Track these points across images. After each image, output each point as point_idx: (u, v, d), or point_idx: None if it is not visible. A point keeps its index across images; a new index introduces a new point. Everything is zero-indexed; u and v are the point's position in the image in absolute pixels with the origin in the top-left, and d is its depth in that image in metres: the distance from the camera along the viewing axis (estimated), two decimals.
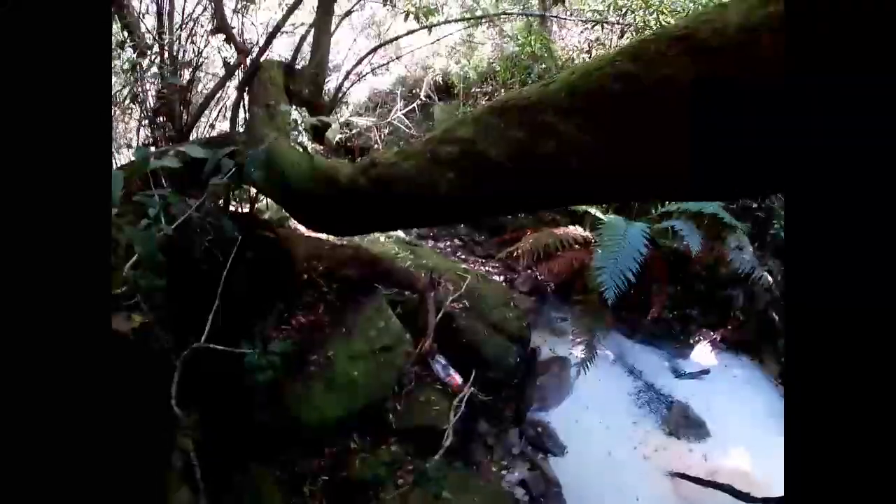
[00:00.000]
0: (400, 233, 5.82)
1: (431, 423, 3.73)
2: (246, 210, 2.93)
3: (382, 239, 5.17)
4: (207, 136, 4.16)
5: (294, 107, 3.20)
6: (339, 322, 3.34)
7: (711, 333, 5.40)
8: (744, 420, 4.76)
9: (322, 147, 6.29)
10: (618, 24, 6.18)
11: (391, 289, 4.02)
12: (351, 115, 7.87)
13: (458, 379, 4.15)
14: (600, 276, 4.36)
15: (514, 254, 5.19)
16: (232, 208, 3.12)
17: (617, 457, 4.42)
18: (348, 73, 5.26)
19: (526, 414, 4.57)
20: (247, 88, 3.28)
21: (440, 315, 4.27)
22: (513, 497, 3.88)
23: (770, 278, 4.86)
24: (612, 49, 6.62)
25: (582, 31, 7.39)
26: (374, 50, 5.38)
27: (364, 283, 3.53)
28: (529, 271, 5.80)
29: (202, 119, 4.07)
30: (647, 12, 5.74)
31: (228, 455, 2.97)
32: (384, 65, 7.86)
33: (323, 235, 3.54)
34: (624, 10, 6.08)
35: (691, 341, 5.44)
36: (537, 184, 1.13)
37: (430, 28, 4.83)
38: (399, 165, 1.53)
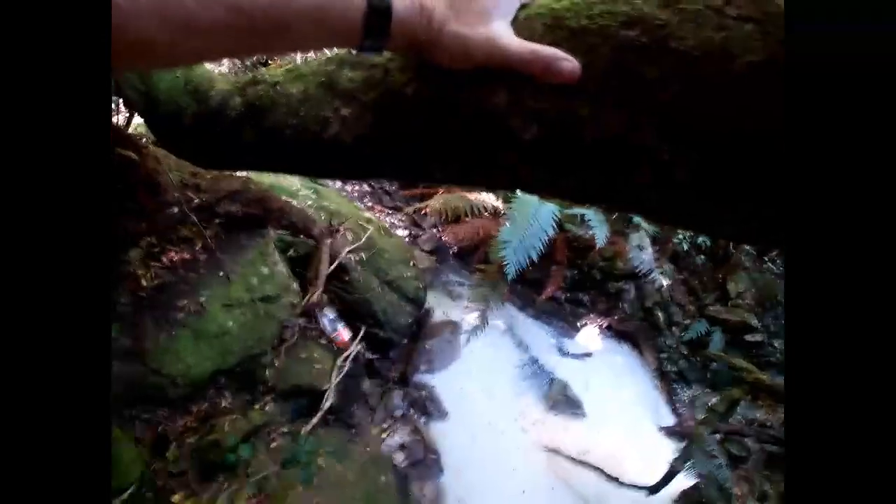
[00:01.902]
0: None
1: (312, 383, 3.32)
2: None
3: None
4: None
5: None
6: (216, 264, 2.78)
7: (599, 320, 5.35)
8: (619, 405, 4.77)
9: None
10: None
11: (283, 230, 3.48)
12: None
13: (345, 335, 3.76)
14: (504, 249, 4.13)
15: (423, 211, 4.80)
16: None
17: (497, 426, 4.27)
18: None
19: (412, 376, 4.26)
20: None
21: (334, 265, 3.82)
22: (391, 462, 3.59)
23: (664, 281, 4.85)
24: None
25: None
26: None
27: (250, 222, 2.97)
28: (435, 231, 5.43)
29: None
30: None
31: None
32: None
33: None
34: None
35: (579, 324, 5.37)
36: (469, 148, 0.69)
37: None
38: (283, 87, 1.02)
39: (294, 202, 3.84)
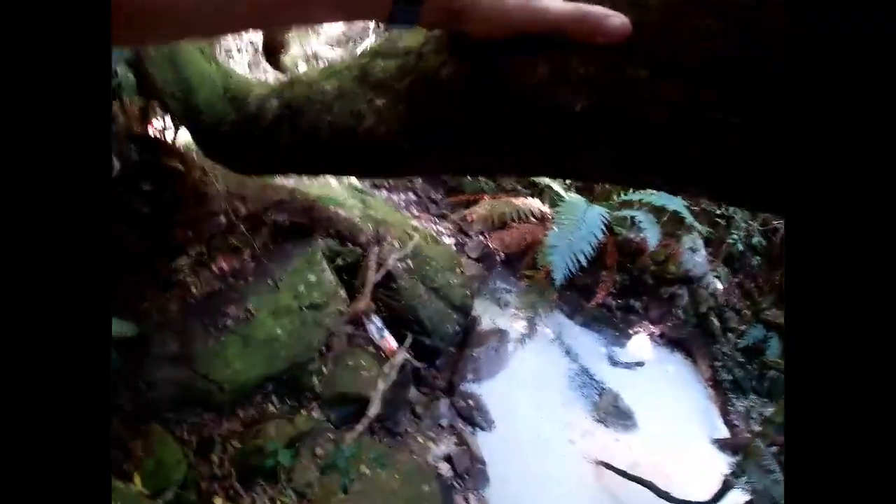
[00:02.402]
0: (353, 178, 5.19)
1: (359, 390, 3.28)
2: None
3: (333, 183, 4.59)
4: None
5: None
6: (264, 272, 2.78)
7: (651, 327, 5.12)
8: (670, 416, 4.56)
9: (278, 73, 5.50)
10: None
11: (330, 239, 3.47)
12: (321, 45, 6.94)
13: (392, 343, 3.71)
14: (552, 254, 3.98)
15: (469, 218, 4.72)
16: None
17: (544, 437, 4.13)
18: None
19: (459, 385, 4.18)
20: None
21: (381, 273, 3.78)
22: (436, 472, 3.51)
23: (719, 285, 4.60)
24: None
25: None
26: None
27: (297, 231, 2.95)
28: (481, 237, 5.34)
29: None
30: None
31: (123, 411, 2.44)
32: None
33: None
34: None
35: (630, 331, 5.16)
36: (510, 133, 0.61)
37: None
38: (318, 86, 0.96)
39: (341, 211, 3.83)
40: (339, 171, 1.18)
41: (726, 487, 3.58)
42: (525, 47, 0.54)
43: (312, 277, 3.16)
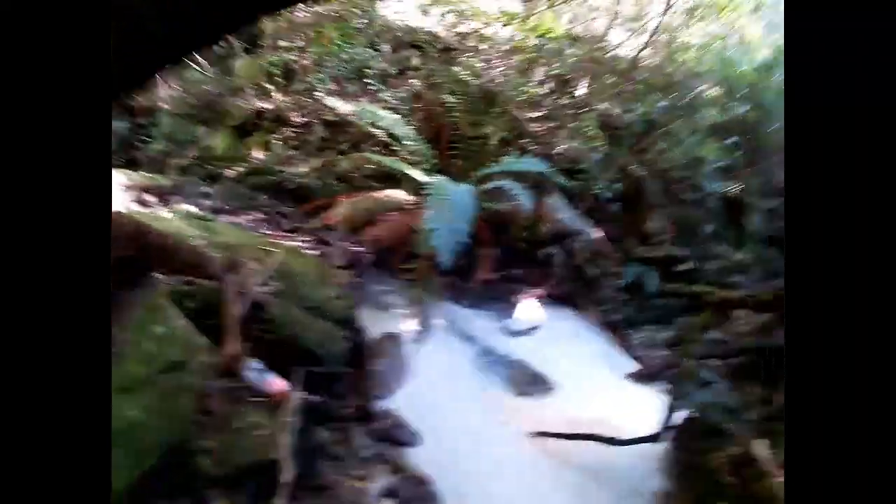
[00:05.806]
0: (188, 206, 4.13)
1: (258, 456, 2.43)
2: None
3: (166, 213, 3.58)
4: None
5: None
6: None
7: (536, 291, 4.84)
8: (579, 368, 4.34)
9: None
10: None
11: (172, 275, 2.54)
12: None
13: (279, 384, 2.86)
14: (433, 239, 3.51)
15: (330, 221, 4.01)
16: None
17: (475, 429, 3.59)
18: None
19: (369, 407, 3.46)
20: None
21: (246, 305, 2.93)
22: None
23: (594, 234, 4.49)
24: None
25: None
26: None
27: (127, 270, 2.03)
28: (343, 242, 4.61)
29: None
30: None
31: None
32: None
33: None
34: None
35: (516, 300, 4.83)
36: None
37: None
38: None
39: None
40: None
41: (671, 413, 3.38)
42: None
43: (160, 329, 2.23)
